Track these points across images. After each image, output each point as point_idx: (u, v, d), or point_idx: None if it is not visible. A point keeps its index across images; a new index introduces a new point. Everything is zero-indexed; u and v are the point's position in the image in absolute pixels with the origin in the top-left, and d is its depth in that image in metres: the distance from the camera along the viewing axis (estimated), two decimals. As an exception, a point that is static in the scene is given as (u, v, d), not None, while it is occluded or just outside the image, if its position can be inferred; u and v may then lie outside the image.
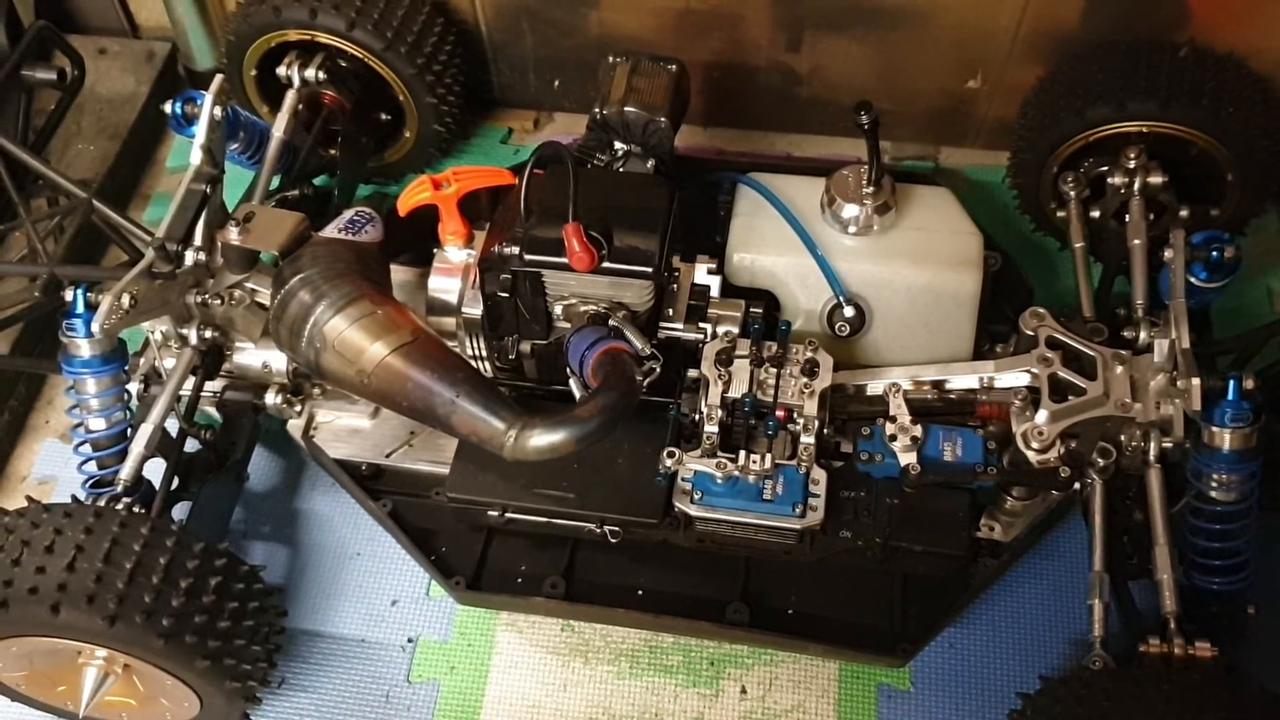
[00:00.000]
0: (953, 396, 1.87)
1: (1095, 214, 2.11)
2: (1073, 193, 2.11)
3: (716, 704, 1.94)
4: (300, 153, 2.23)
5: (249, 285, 1.91)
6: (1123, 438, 1.75)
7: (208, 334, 1.91)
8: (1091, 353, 1.80)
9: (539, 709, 1.94)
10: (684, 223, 1.88)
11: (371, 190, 2.54)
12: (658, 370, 1.73)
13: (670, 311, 1.88)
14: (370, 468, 2.00)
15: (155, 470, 1.86)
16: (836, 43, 2.39)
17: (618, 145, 2.05)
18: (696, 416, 1.81)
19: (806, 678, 1.95)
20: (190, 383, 1.91)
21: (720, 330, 1.87)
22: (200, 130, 1.94)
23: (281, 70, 2.27)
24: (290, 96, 2.24)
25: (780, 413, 1.78)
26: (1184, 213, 2.00)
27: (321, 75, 2.25)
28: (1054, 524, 1.90)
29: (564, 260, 1.75)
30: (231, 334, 1.94)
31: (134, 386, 1.94)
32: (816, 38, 2.40)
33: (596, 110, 2.02)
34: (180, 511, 1.90)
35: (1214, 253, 1.86)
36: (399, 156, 2.49)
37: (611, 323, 1.79)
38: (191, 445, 1.94)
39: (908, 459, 1.77)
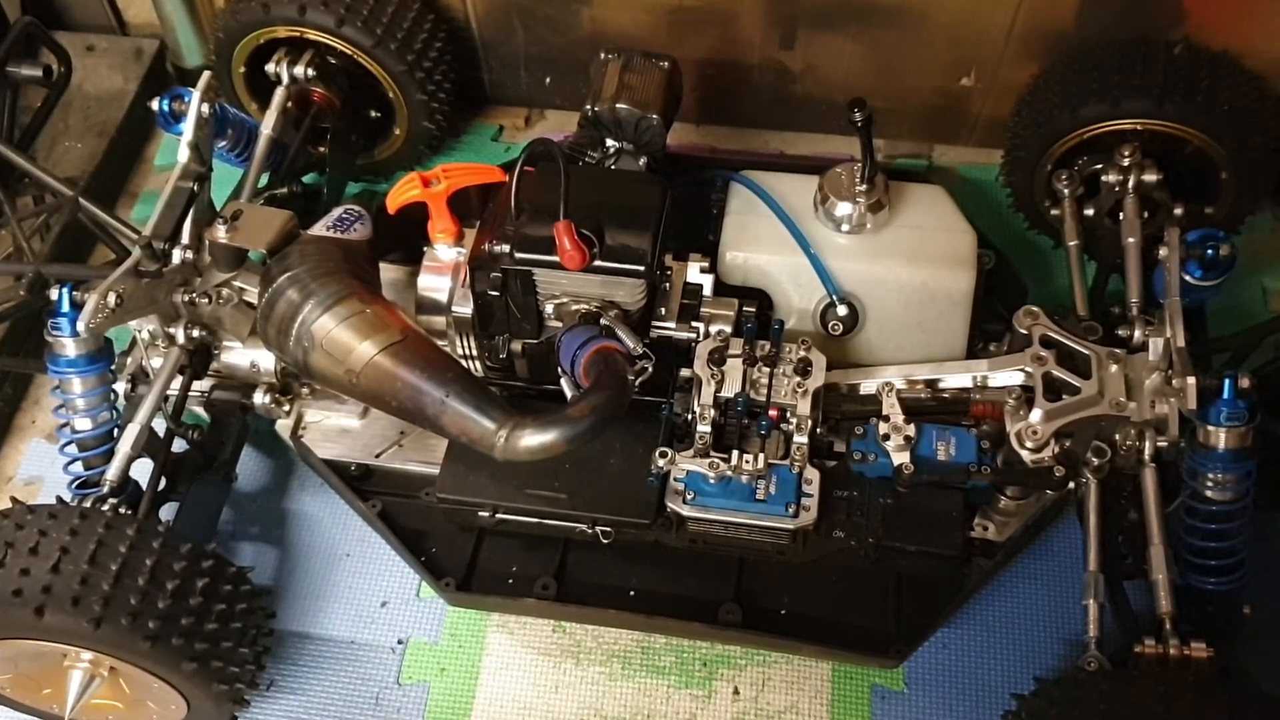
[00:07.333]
0: (946, 395, 1.86)
1: (1089, 212, 2.10)
2: (1067, 190, 2.10)
3: (709, 705, 1.93)
4: (289, 150, 2.22)
5: (237, 284, 1.89)
6: (1117, 437, 1.74)
7: (195, 333, 1.89)
8: (1086, 351, 1.79)
9: (530, 710, 1.93)
10: (676, 221, 1.87)
11: (361, 188, 2.53)
12: (650, 370, 1.72)
13: (663, 310, 1.87)
14: (359, 468, 1.98)
15: (143, 471, 1.84)
16: (830, 40, 2.39)
17: (610, 143, 2.04)
18: (689, 416, 1.80)
19: (800, 679, 1.94)
20: (178, 382, 1.89)
21: (713, 329, 1.86)
22: (188, 127, 1.93)
23: (270, 67, 2.26)
24: (279, 94, 2.22)
25: (773, 412, 1.77)
26: (1178, 211, 2.00)
27: (310, 72, 2.23)
28: (1048, 524, 1.88)
29: (555, 259, 1.74)
30: (219, 333, 1.93)
31: (121, 386, 1.92)
32: (810, 35, 2.39)
33: (588, 107, 2.01)
34: (168, 512, 1.89)
35: (1209, 251, 1.85)
36: (389, 154, 2.47)
37: (603, 322, 1.78)
38: (179, 445, 1.92)
39: (901, 458, 1.76)
